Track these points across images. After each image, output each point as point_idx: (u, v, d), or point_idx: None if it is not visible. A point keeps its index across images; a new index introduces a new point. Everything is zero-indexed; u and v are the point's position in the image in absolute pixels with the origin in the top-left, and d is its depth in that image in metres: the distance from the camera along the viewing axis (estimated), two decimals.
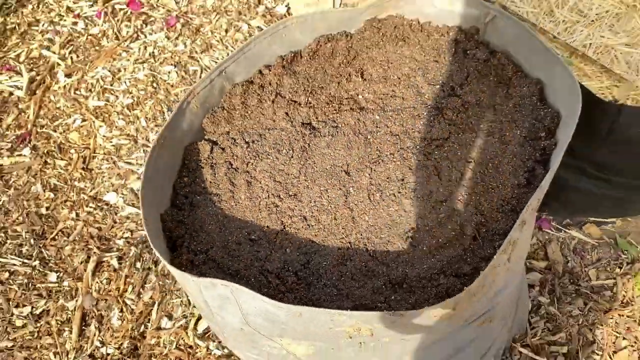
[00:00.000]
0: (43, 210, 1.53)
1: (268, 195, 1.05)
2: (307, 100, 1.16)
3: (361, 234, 0.99)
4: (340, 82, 1.20)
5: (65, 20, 1.96)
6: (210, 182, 1.08)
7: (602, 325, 1.35)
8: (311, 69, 1.22)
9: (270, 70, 1.20)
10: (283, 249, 0.99)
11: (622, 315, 1.36)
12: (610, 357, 1.30)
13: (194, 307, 1.34)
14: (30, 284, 1.40)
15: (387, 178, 1.04)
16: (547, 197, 1.47)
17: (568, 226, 1.53)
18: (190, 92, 1.07)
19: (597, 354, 1.31)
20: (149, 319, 1.35)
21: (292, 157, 1.08)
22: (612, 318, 1.36)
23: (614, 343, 1.32)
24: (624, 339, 1.33)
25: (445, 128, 1.09)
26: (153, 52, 1.85)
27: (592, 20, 1.46)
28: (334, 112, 1.15)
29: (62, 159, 1.63)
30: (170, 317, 1.35)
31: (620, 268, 1.44)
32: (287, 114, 1.14)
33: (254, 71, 1.20)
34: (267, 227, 1.02)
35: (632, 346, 1.32)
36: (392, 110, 1.14)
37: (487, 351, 1.16)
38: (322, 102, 1.17)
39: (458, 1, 1.21)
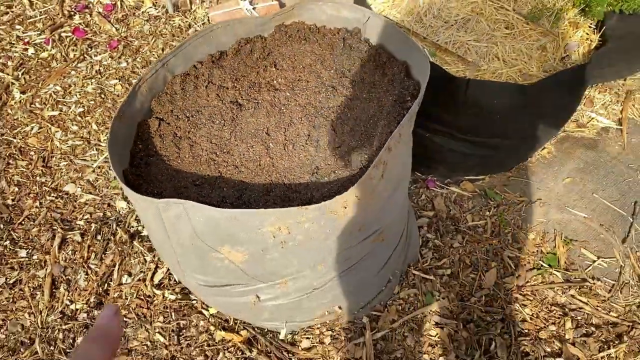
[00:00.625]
0: (9, 202, 1.76)
1: (207, 153, 1.37)
2: (233, 85, 1.51)
3: (279, 174, 1.33)
4: (259, 72, 1.56)
5: (16, 47, 2.22)
6: (160, 147, 1.38)
7: (476, 252, 1.74)
8: (235, 63, 1.57)
9: (202, 65, 1.54)
10: (221, 188, 1.30)
11: (491, 244, 1.76)
12: (483, 274, 1.69)
13: (151, 261, 1.61)
14: (2, 260, 1.62)
15: (297, 135, 1.39)
16: (430, 161, 1.89)
17: (449, 184, 1.94)
18: (140, 78, 1.39)
19: (474, 274, 1.69)
20: (111, 278, 1.60)
21: (224, 125, 1.41)
22: (483, 247, 1.75)
23: (485, 264, 1.72)
24: (492, 261, 1.72)
25: (338, 98, 1.47)
26: (99, 70, 2.14)
27: (451, 25, 1.92)
28: (255, 92, 1.50)
29: (23, 160, 1.87)
30: (129, 274, 1.61)
31: (489, 211, 1.86)
32: (218, 95, 1.48)
33: (189, 65, 1.54)
34: (208, 175, 1.33)
35: (498, 265, 1.71)
36: (300, 89, 1.51)
37: (382, 267, 1.50)
38: (245, 86, 1.51)
39: (343, 9, 1.62)
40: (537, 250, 1.76)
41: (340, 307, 1.49)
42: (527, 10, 1.95)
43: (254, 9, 2.30)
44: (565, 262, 1.73)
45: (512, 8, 1.97)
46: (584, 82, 1.84)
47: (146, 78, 1.41)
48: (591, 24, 1.93)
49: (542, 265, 1.71)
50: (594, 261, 1.73)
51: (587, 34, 1.91)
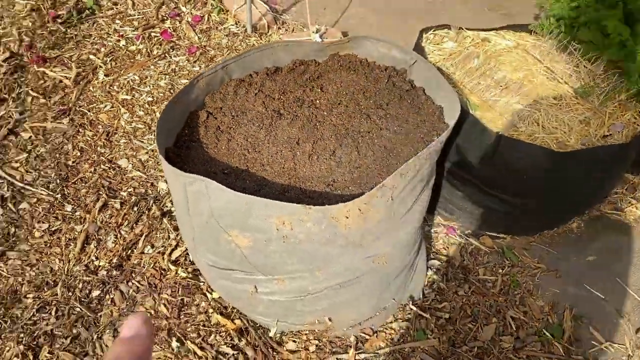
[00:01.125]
0: (70, 163, 1.98)
1: (241, 149, 1.51)
2: (280, 97, 1.66)
3: (299, 179, 1.45)
4: (305, 91, 1.71)
5: (111, 38, 2.52)
6: (202, 136, 1.55)
7: (479, 305, 1.75)
8: (286, 79, 1.73)
9: (257, 75, 1.72)
10: (244, 180, 1.44)
11: (497, 301, 1.77)
12: (481, 327, 1.70)
13: (174, 239, 1.76)
14: (51, 209, 1.82)
15: (324, 149, 1.51)
16: (454, 208, 1.95)
17: (469, 235, 1.98)
18: (200, 74, 1.58)
19: (472, 324, 1.70)
20: (136, 246, 1.75)
21: (262, 128, 1.56)
22: (488, 301, 1.77)
23: (486, 318, 1.73)
24: (494, 317, 1.73)
25: (369, 126, 1.58)
26: (174, 69, 2.39)
27: (500, 85, 2.01)
28: (297, 107, 1.64)
29: (90, 131, 2.10)
30: (152, 246, 1.76)
31: (502, 269, 1.87)
32: (263, 102, 1.63)
33: (246, 73, 1.71)
34: (236, 167, 1.47)
35: (499, 322, 1.72)
36: (337, 112, 1.64)
37: (380, 291, 1.56)
38: (289, 100, 1.67)
39: (394, 49, 1.75)
40: (542, 318, 1.74)
41: (330, 319, 1.56)
42: (579, 86, 2.00)
43: (322, 42, 2.49)
44: (569, 337, 1.70)
45: (565, 81, 2.03)
46: (621, 163, 1.86)
47: (205, 75, 1.59)
48: None
49: (544, 333, 1.70)
50: (602, 343, 1.70)
51: (635, 118, 1.93)
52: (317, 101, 1.68)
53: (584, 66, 2.09)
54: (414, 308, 1.68)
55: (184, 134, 1.56)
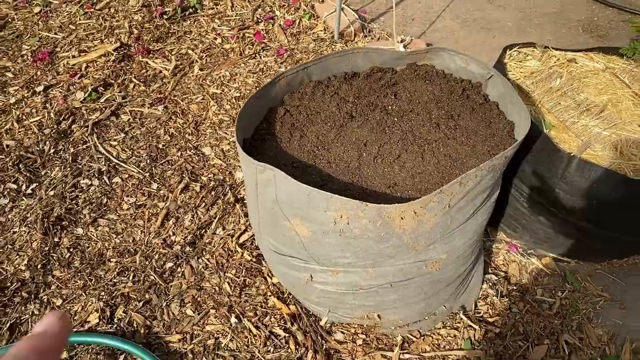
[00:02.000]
0: (160, 146, 2.19)
1: (311, 145, 1.61)
2: (354, 100, 1.75)
3: (361, 178, 1.53)
4: (379, 97, 1.78)
5: (209, 35, 2.74)
6: (278, 130, 1.67)
7: (533, 324, 1.73)
8: (362, 84, 1.81)
9: (335, 78, 1.81)
10: (310, 175, 1.54)
11: (552, 322, 1.74)
12: (532, 347, 1.68)
13: (243, 224, 1.90)
14: (139, 185, 2.03)
15: (389, 153, 1.58)
16: (518, 226, 1.94)
17: (531, 255, 1.95)
18: (282, 74, 1.70)
19: (522, 342, 1.69)
20: (210, 227, 1.91)
21: (333, 128, 1.66)
22: (542, 322, 1.74)
23: (538, 338, 1.71)
24: (546, 339, 1.71)
25: (437, 135, 1.63)
26: (262, 68, 2.55)
27: (581, 107, 1.97)
28: (369, 111, 1.72)
29: (181, 119, 2.31)
30: (224, 228, 1.91)
31: (562, 293, 1.83)
32: (338, 104, 1.73)
33: (325, 76, 1.82)
34: (305, 162, 1.58)
35: (552, 345, 1.69)
36: (407, 119, 1.70)
37: (431, 296, 1.60)
38: (363, 104, 1.75)
39: (471, 62, 1.78)
40: (599, 347, 1.69)
41: (379, 316, 1.62)
42: None
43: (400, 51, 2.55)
44: None
45: None
46: None
47: (287, 74, 1.72)
48: None
49: None
50: None
51: None
52: (389, 107, 1.75)
53: None
54: (464, 318, 1.70)
55: (262, 127, 1.69)
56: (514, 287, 1.82)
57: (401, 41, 2.63)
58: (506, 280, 1.84)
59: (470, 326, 1.68)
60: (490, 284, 1.82)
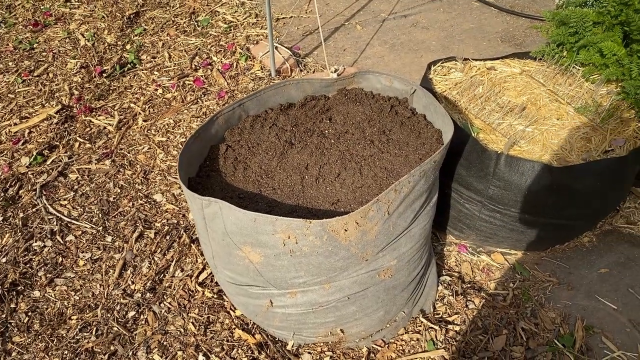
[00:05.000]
0: (111, 199, 2.21)
1: (255, 176, 1.68)
2: (292, 129, 1.84)
3: (306, 200, 1.60)
4: (315, 122, 1.88)
5: (149, 87, 2.81)
6: (222, 165, 1.73)
7: (490, 317, 1.82)
8: (298, 113, 1.91)
9: (272, 111, 1.91)
10: (257, 203, 1.60)
11: (508, 313, 1.83)
12: (492, 339, 1.76)
13: (201, 263, 1.93)
14: (93, 240, 2.04)
15: (329, 172, 1.67)
16: (463, 227, 2.04)
17: (480, 252, 2.05)
18: (219, 111, 1.78)
19: (482, 336, 1.76)
20: (168, 270, 1.93)
21: (274, 157, 1.73)
22: (499, 314, 1.83)
23: (496, 330, 1.78)
24: (504, 328, 1.79)
25: (372, 151, 1.73)
26: (205, 112, 2.63)
27: (504, 110, 2.12)
28: (307, 137, 1.81)
29: (130, 170, 2.34)
30: (182, 270, 1.93)
31: (514, 284, 1.93)
32: (277, 134, 1.81)
33: (262, 110, 1.91)
34: (250, 191, 1.64)
35: (510, 333, 1.77)
36: (344, 139, 1.79)
37: (388, 303, 1.66)
38: (300, 131, 1.84)
39: (395, 80, 1.91)
40: (554, 329, 1.78)
41: (342, 331, 1.66)
42: (580, 105, 2.08)
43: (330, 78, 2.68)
44: (581, 347, 1.73)
45: (567, 102, 2.12)
46: (623, 175, 1.91)
47: (224, 112, 1.80)
48: None
49: (555, 343, 1.74)
50: (614, 352, 1.72)
51: (637, 133, 1.99)
52: (326, 131, 1.84)
53: (586, 87, 2.18)
54: (425, 320, 1.76)
55: (205, 165, 1.75)
56: (469, 285, 1.91)
57: (335, 71, 2.76)
58: (460, 280, 1.93)
59: (431, 327, 1.75)
60: (445, 284, 1.90)
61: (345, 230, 1.40)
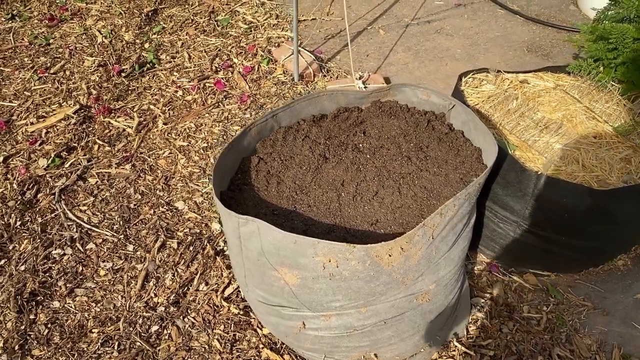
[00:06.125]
0: (132, 205, 2.15)
1: (289, 191, 1.62)
2: (325, 142, 1.78)
3: (344, 219, 1.54)
4: (349, 136, 1.82)
5: (169, 89, 2.74)
6: (254, 179, 1.67)
7: (524, 342, 1.76)
8: (331, 125, 1.85)
9: (305, 122, 1.84)
10: (292, 221, 1.54)
11: (542, 338, 1.78)
12: None
13: (226, 277, 1.87)
14: (114, 249, 1.98)
15: (367, 190, 1.61)
16: (496, 246, 1.99)
17: (512, 273, 1.99)
18: (252, 123, 1.72)
19: None
20: (192, 283, 1.87)
21: (308, 171, 1.67)
22: (533, 339, 1.77)
23: (531, 356, 1.73)
24: (539, 355, 1.73)
25: (410, 167, 1.67)
26: (227, 116, 2.56)
27: (539, 126, 2.06)
28: (341, 150, 1.75)
29: (150, 175, 2.28)
30: (207, 283, 1.87)
31: (547, 307, 1.88)
32: (310, 147, 1.75)
33: (294, 121, 1.85)
34: (285, 208, 1.58)
35: None
36: (379, 155, 1.73)
37: (424, 327, 1.60)
38: (334, 144, 1.78)
39: (433, 94, 1.85)
40: (590, 357, 1.73)
41: (376, 355, 1.61)
42: (619, 124, 2.02)
43: (365, 88, 2.62)
44: None
45: (605, 120, 2.06)
46: None
47: (257, 123, 1.73)
48: None
49: None
50: None
51: None
52: (361, 145, 1.78)
53: (624, 105, 2.12)
54: (459, 345, 1.71)
55: (237, 178, 1.69)
56: (502, 307, 1.85)
57: (359, 77, 2.71)
58: (493, 302, 1.87)
59: (465, 353, 1.69)
60: (479, 307, 1.84)
61: (389, 256, 1.35)
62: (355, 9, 3.43)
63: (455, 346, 1.71)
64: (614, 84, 2.16)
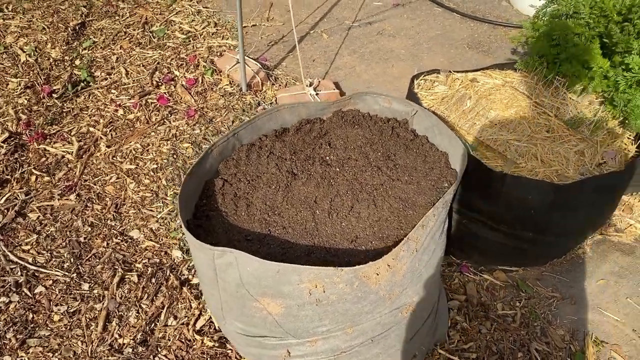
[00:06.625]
0: (81, 239, 1.98)
1: (260, 213, 1.54)
2: (291, 157, 1.71)
3: (322, 238, 1.48)
4: (314, 148, 1.76)
5: (108, 108, 2.56)
6: (221, 204, 1.57)
7: (503, 341, 1.78)
8: (295, 139, 1.78)
9: (267, 138, 1.76)
10: (268, 245, 1.46)
11: (519, 334, 1.80)
12: None
13: (196, 308, 1.76)
14: (68, 290, 1.81)
15: (342, 205, 1.55)
16: (465, 247, 1.99)
17: (482, 271, 2.02)
18: (213, 144, 1.62)
19: None
20: (159, 319, 1.75)
21: (278, 190, 1.60)
22: (511, 336, 1.80)
23: (511, 353, 1.75)
24: (519, 352, 1.76)
25: (382, 178, 1.63)
26: (175, 134, 2.43)
27: (494, 124, 2.09)
28: (309, 165, 1.69)
29: (99, 204, 2.11)
30: (175, 317, 1.75)
31: (520, 302, 1.91)
32: (276, 164, 1.67)
33: (255, 137, 1.76)
34: (259, 232, 1.50)
35: (525, 356, 1.74)
36: (348, 167, 1.69)
37: (409, 340, 1.57)
38: (301, 159, 1.71)
39: (394, 101, 1.83)
40: (565, 347, 1.78)
41: None
42: (568, 118, 2.09)
43: (317, 94, 2.57)
44: None
45: (554, 114, 2.12)
46: (618, 188, 1.93)
47: (218, 144, 1.63)
48: (630, 135, 2.05)
49: None
50: None
51: (625, 144, 2.02)
52: (328, 157, 1.73)
53: (570, 99, 2.20)
54: (443, 352, 1.70)
55: (201, 204, 1.58)
56: (477, 308, 1.86)
57: (310, 84, 2.65)
58: (468, 303, 1.88)
59: (449, 359, 1.69)
60: (456, 310, 1.84)
61: (377, 275, 1.30)
62: (295, 13, 3.37)
63: (440, 353, 1.70)
64: (559, 78, 2.24)
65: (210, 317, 1.74)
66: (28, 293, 1.79)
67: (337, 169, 1.68)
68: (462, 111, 2.15)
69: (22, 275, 1.83)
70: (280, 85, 2.76)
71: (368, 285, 1.31)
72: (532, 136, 2.03)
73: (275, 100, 2.62)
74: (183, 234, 2.03)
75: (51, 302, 1.77)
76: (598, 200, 1.89)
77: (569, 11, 2.24)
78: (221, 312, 1.49)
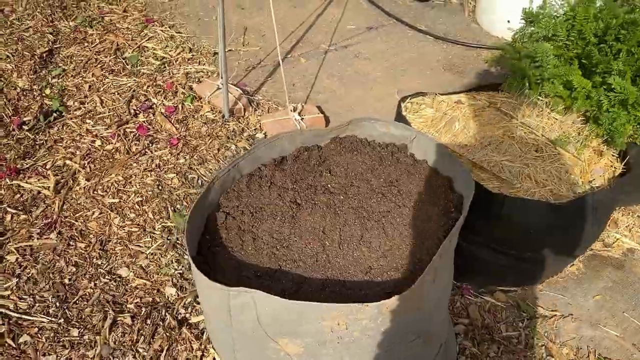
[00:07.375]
0: (66, 281, 1.85)
1: (268, 247, 1.48)
2: (293, 186, 1.66)
3: (335, 270, 1.43)
4: (315, 176, 1.72)
5: (85, 139, 2.44)
6: (225, 238, 1.50)
7: None
8: (294, 168, 1.74)
9: (266, 167, 1.71)
10: (280, 281, 1.40)
11: (526, 356, 1.80)
12: None
13: (198, 349, 1.67)
14: (55, 337, 1.68)
15: (351, 235, 1.52)
16: (466, 269, 1.99)
17: (483, 293, 2.01)
18: (215, 176, 1.55)
19: None
20: None
21: (284, 222, 1.54)
22: (518, 358, 1.79)
23: None
24: None
25: (389, 205, 1.61)
26: (158, 164, 2.34)
27: (485, 145, 2.11)
28: (312, 194, 1.64)
29: (82, 242, 1.99)
30: None
31: (522, 322, 1.91)
32: (279, 195, 1.62)
33: (255, 167, 1.71)
34: (269, 267, 1.44)
35: None
36: (352, 194, 1.65)
37: None
38: (303, 188, 1.67)
39: (392, 127, 1.82)
40: None
41: None
42: (555, 137, 2.14)
43: (302, 119, 2.54)
44: None
45: (541, 134, 2.17)
46: (609, 205, 1.98)
47: (220, 176, 1.57)
48: (614, 152, 2.11)
49: None
50: None
51: (611, 161, 2.08)
52: (330, 185, 1.69)
53: (555, 118, 2.25)
54: None
55: (205, 240, 1.51)
56: (483, 331, 1.85)
57: (294, 109, 2.62)
58: (473, 326, 1.86)
59: None
60: (462, 335, 1.83)
61: (398, 307, 1.26)
62: (269, 38, 3.34)
63: None
64: (541, 98, 2.29)
65: (215, 358, 1.65)
66: (12, 343, 1.65)
67: (342, 197, 1.64)
68: (452, 133, 2.17)
69: (3, 324, 1.69)
70: (262, 110, 2.71)
71: (390, 319, 1.27)
72: (523, 156, 2.06)
73: (260, 127, 2.57)
74: (175, 269, 1.94)
75: (38, 352, 1.64)
76: (591, 217, 1.92)
77: (548, 34, 2.31)
78: (233, 354, 1.41)
